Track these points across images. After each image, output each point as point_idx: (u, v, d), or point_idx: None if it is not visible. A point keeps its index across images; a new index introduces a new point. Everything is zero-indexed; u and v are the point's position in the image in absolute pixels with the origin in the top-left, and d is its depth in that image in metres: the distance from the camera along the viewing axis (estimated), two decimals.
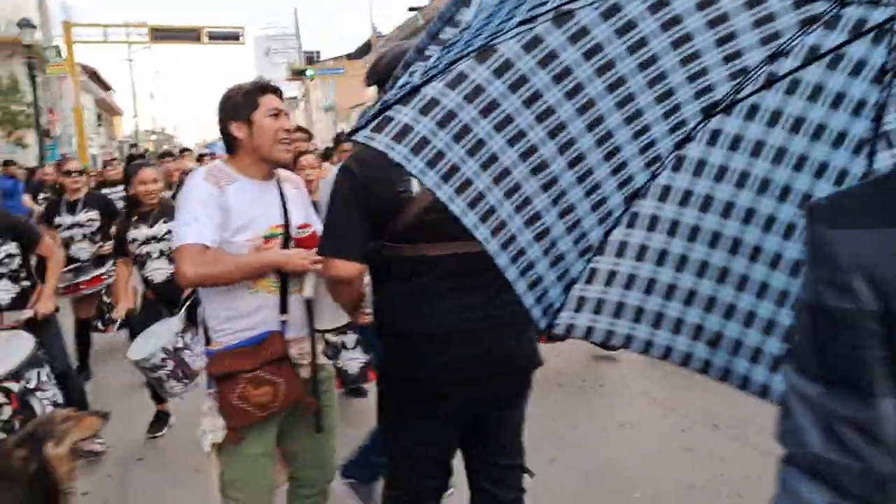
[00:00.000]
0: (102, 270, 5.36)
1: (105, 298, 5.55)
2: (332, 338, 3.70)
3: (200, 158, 13.00)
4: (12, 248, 3.81)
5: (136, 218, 4.36)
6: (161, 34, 25.25)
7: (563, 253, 1.65)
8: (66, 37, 22.72)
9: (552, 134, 1.52)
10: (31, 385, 3.38)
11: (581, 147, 1.55)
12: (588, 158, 1.56)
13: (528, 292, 1.65)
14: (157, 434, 4.47)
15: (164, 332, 3.52)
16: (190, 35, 25.45)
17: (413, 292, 2.01)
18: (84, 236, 5.44)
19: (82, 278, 5.30)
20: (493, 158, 1.52)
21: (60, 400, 3.55)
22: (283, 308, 2.35)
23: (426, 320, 2.00)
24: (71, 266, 5.36)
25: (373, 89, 2.29)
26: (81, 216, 5.42)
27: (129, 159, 4.42)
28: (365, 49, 42.80)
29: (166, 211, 4.26)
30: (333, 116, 57.40)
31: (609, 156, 1.57)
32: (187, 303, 3.77)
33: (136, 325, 4.17)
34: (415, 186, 1.95)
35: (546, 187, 1.57)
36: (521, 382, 2.17)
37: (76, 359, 5.39)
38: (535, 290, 1.66)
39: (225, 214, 2.26)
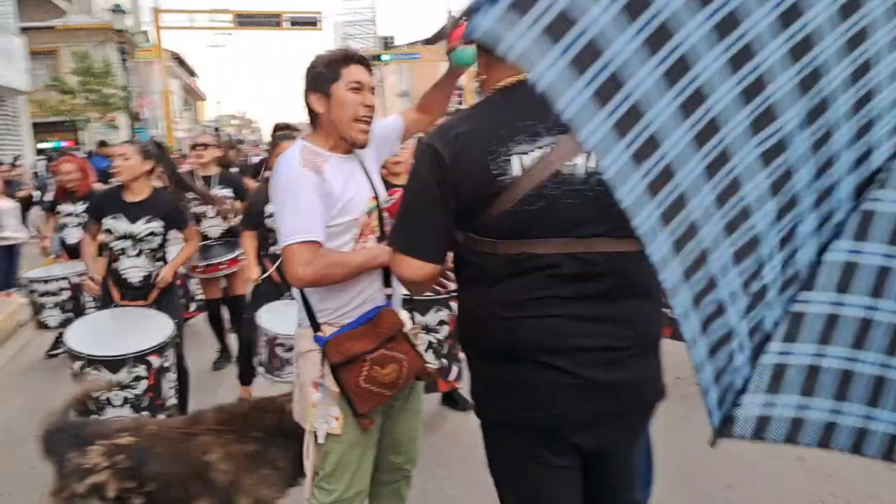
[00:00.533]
0: (237, 253, 5.12)
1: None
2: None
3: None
4: (158, 226, 3.82)
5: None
6: (244, 20, 25.89)
7: (768, 291, 1.17)
8: (154, 22, 23.58)
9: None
10: (167, 364, 3.45)
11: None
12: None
13: (706, 362, 1.17)
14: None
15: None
16: (271, 21, 26.01)
17: (513, 301, 1.59)
18: (218, 212, 5.23)
19: (215, 260, 5.14)
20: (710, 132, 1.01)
21: (176, 385, 3.60)
22: (387, 281, 2.24)
23: (533, 336, 1.58)
24: (202, 242, 5.10)
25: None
26: (216, 190, 5.20)
27: (276, 129, 4.30)
28: (440, 34, 42.72)
29: None
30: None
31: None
32: None
33: (257, 294, 4.09)
34: (515, 167, 1.55)
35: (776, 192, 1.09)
36: (647, 418, 1.77)
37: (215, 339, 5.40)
38: (718, 351, 1.18)
39: (327, 200, 2.11)
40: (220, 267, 5.16)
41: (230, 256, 5.15)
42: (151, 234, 3.81)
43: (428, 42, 45.08)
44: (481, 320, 1.65)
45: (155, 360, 3.33)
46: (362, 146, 2.26)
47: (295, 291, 2.29)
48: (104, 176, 9.54)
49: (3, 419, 4.43)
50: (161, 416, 3.35)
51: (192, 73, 46.90)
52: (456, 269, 1.75)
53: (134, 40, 20.76)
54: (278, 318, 3.53)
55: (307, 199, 2.07)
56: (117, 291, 3.84)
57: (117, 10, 18.16)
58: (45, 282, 5.34)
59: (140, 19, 21.83)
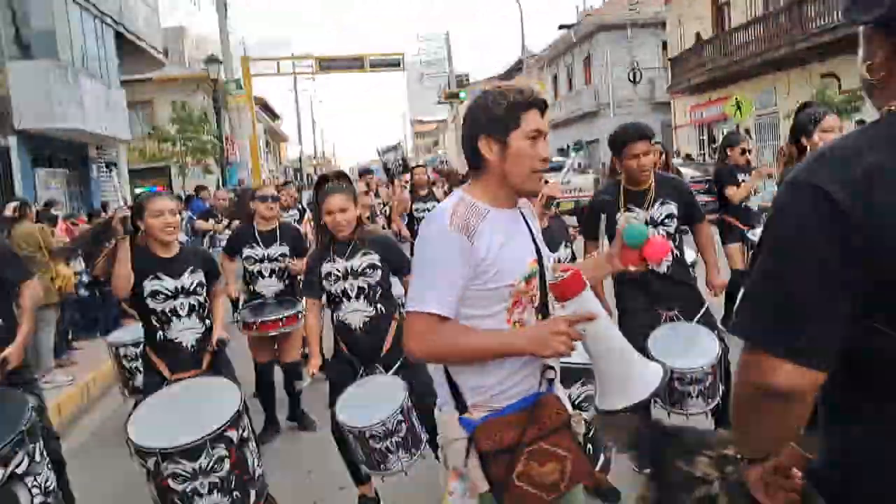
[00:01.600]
0: (291, 312, 4.76)
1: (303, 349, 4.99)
2: None
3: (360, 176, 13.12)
4: (202, 277, 3.56)
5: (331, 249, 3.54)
6: (327, 64, 26.55)
7: None
8: (243, 70, 24.46)
9: None
10: (245, 434, 3.12)
11: None
12: None
13: None
14: None
15: (387, 393, 3.18)
16: (354, 64, 26.56)
17: None
18: (273, 272, 4.91)
19: (266, 318, 4.72)
20: None
21: (257, 453, 3.23)
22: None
23: None
24: (254, 302, 4.93)
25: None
26: (273, 249, 4.87)
27: (320, 181, 3.87)
28: (515, 69, 42.79)
29: (367, 242, 3.52)
30: None
31: None
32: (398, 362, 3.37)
33: (332, 381, 3.55)
34: None
35: None
36: None
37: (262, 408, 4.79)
38: None
39: (477, 267, 1.87)
40: (278, 324, 4.68)
41: (288, 313, 4.73)
42: (199, 284, 3.53)
43: (503, 78, 45.26)
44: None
45: (233, 434, 3.00)
46: (536, 195, 2.05)
47: (437, 367, 2.00)
48: (205, 215, 9.60)
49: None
50: (252, 493, 3.08)
51: (275, 117, 48.51)
52: (844, 383, 1.15)
53: (227, 88, 21.52)
54: (357, 406, 3.21)
55: (445, 267, 1.85)
56: (164, 363, 3.47)
57: (212, 59, 18.88)
58: (135, 345, 4.66)
59: (229, 66, 22.67)
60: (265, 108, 42.60)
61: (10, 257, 3.59)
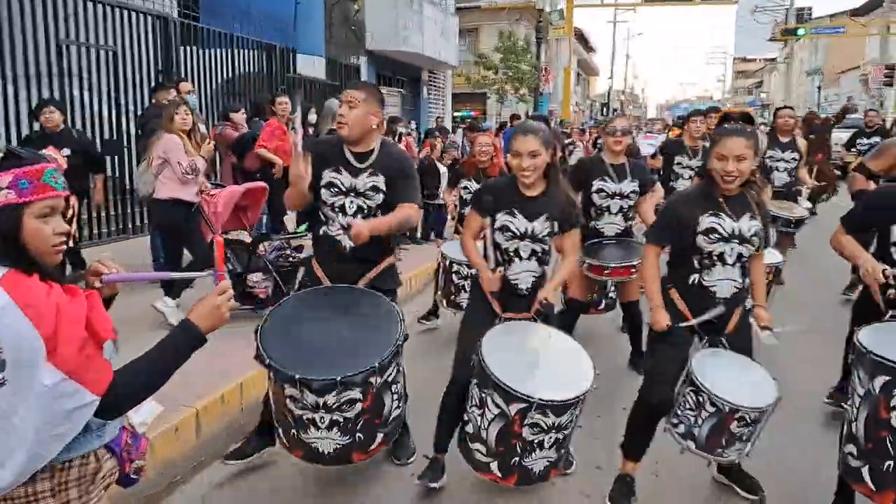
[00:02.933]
0: (627, 264, 4.38)
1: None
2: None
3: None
4: (551, 227, 3.17)
5: None
6: None
7: None
8: (567, 1, 24.68)
9: None
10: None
11: None
12: None
13: None
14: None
15: (750, 372, 2.92)
16: None
17: None
18: (621, 209, 4.55)
19: (613, 263, 4.39)
20: None
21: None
22: None
23: None
24: (595, 239, 4.56)
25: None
26: (625, 185, 4.51)
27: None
28: (874, 3, 36.88)
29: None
30: (818, 80, 51.52)
31: None
32: None
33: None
34: None
35: None
36: None
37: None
38: None
39: None
40: (605, 271, 4.37)
41: (625, 263, 4.37)
42: (550, 233, 3.17)
43: (856, 14, 39.31)
44: None
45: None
46: None
47: None
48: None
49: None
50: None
51: (590, 49, 48.26)
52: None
53: (549, 18, 21.99)
54: (723, 377, 2.86)
55: None
56: (498, 302, 3.19)
57: None
58: (460, 264, 5.00)
59: None
60: (581, 38, 42.55)
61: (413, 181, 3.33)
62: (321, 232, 3.27)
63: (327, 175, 3.17)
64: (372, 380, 2.74)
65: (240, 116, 7.83)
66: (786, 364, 4.49)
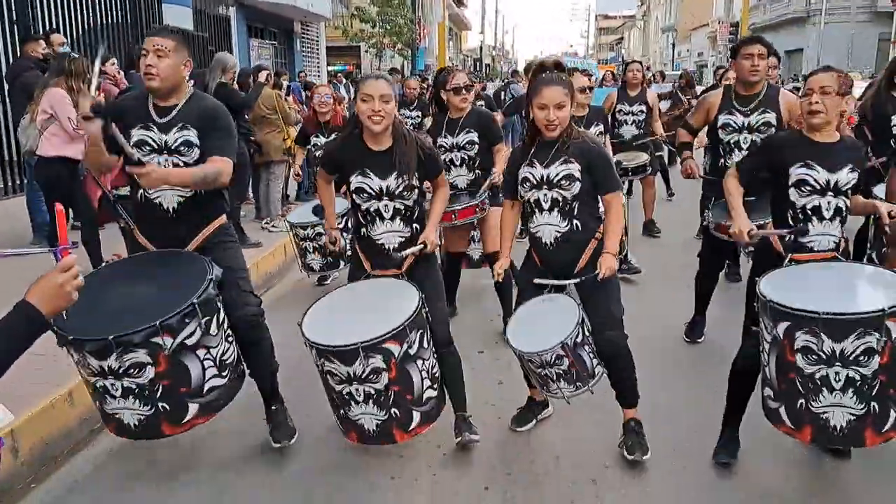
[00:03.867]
0: (470, 204, 4.48)
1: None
2: None
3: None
4: (412, 180, 3.11)
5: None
6: None
7: None
8: None
9: None
10: (413, 350, 2.83)
11: None
12: None
13: None
14: (521, 429, 3.45)
15: (561, 321, 2.94)
16: None
17: None
18: (463, 161, 4.54)
19: (456, 207, 4.45)
20: None
21: (437, 372, 3.02)
22: None
23: None
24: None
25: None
26: (461, 137, 4.50)
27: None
28: None
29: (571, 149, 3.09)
30: (672, 38, 54.56)
31: None
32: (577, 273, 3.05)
33: (519, 290, 3.31)
34: None
35: None
36: None
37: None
38: None
39: None
40: (454, 216, 4.39)
41: (466, 205, 4.47)
42: (409, 188, 3.10)
43: None
44: None
45: (395, 348, 2.74)
46: None
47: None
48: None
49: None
50: (416, 415, 2.88)
51: (461, 3, 48.44)
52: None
53: None
54: (527, 325, 3.04)
55: None
56: (367, 260, 3.21)
57: None
58: (304, 227, 5.23)
59: None
60: None
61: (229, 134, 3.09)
62: (139, 196, 3.02)
63: (136, 133, 2.94)
64: (158, 340, 2.56)
65: (112, 68, 7.47)
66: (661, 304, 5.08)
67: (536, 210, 3.07)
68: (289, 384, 3.48)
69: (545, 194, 3.03)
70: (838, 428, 2.57)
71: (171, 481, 3.10)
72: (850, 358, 2.47)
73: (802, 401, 2.61)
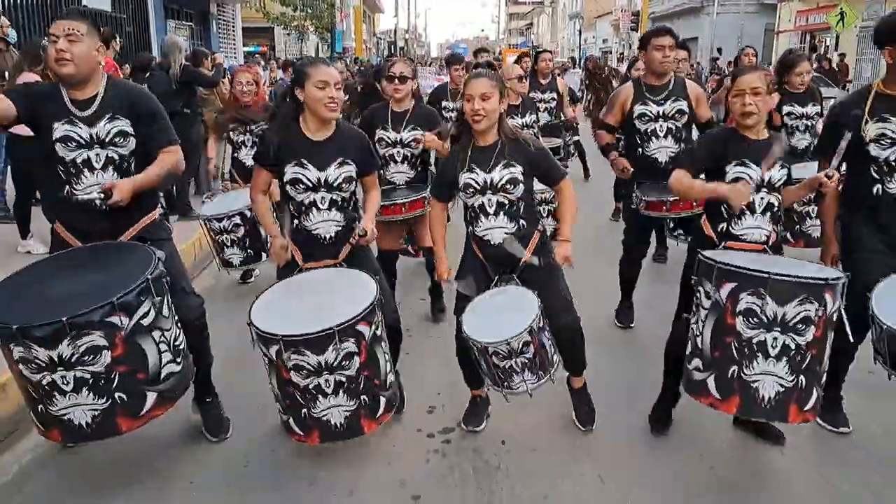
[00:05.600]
0: (418, 196, 4.28)
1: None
2: None
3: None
4: (352, 171, 3.05)
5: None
6: None
7: None
8: None
9: None
10: (379, 331, 2.83)
11: None
12: None
13: None
14: (476, 429, 3.37)
15: (524, 305, 2.92)
16: None
17: None
18: (405, 158, 4.37)
19: (404, 200, 4.25)
20: None
21: (389, 356, 2.97)
22: None
23: None
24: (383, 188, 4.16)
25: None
26: (406, 134, 4.32)
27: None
28: None
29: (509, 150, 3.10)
30: (579, 24, 56.35)
31: None
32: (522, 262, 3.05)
33: (460, 288, 3.18)
34: None
35: None
36: None
37: None
38: None
39: None
40: (403, 208, 4.22)
41: (414, 197, 4.26)
42: (348, 179, 3.04)
43: None
44: None
45: (366, 330, 2.71)
46: None
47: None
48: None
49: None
50: (382, 400, 2.85)
51: None
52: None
53: None
54: (484, 318, 2.97)
55: None
56: (300, 252, 3.08)
57: None
58: (219, 220, 4.69)
59: None
60: None
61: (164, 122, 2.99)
62: (65, 194, 2.81)
63: (60, 129, 2.74)
64: (115, 320, 2.42)
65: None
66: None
67: (481, 215, 3.08)
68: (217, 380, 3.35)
69: (489, 199, 3.04)
70: (766, 399, 2.60)
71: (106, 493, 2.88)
72: (790, 324, 2.54)
73: (735, 367, 2.64)
